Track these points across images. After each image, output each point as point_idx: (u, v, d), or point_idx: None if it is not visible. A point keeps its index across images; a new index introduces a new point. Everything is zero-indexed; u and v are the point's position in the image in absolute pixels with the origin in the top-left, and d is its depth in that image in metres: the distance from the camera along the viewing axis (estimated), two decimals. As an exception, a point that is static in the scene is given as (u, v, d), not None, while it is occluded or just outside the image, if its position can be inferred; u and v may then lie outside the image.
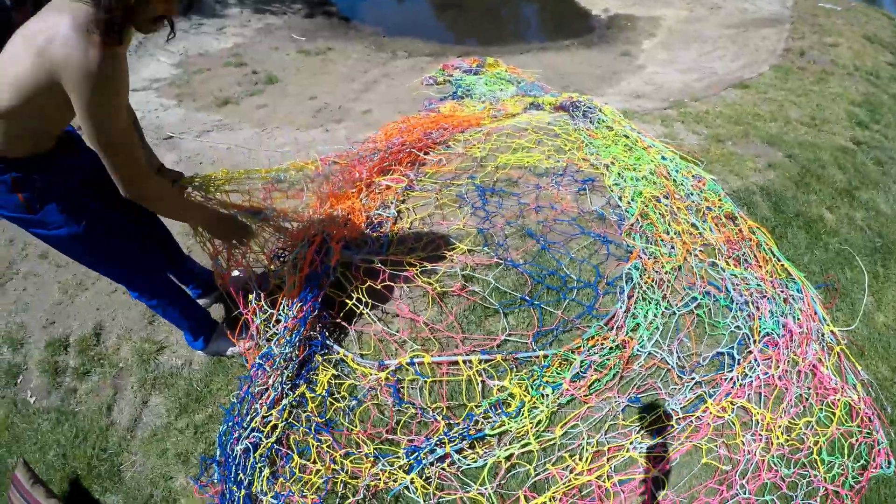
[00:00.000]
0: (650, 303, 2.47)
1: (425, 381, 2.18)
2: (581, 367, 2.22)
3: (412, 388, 2.22)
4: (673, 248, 2.79)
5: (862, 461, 2.23)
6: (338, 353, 2.32)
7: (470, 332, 2.39)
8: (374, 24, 9.31)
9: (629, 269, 2.60)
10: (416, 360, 2.23)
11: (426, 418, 2.09)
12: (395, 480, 1.94)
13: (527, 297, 2.46)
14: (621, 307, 2.44)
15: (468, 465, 1.95)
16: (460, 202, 3.05)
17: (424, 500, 1.89)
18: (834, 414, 2.31)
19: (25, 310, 3.22)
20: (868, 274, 3.15)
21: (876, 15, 9.44)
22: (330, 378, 2.23)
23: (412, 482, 1.92)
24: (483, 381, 2.18)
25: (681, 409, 2.19)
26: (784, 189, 3.64)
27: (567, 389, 2.13)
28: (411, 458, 1.98)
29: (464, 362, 2.20)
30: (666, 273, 2.63)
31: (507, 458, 1.98)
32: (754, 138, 4.20)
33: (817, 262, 3.19)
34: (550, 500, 1.89)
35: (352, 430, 2.08)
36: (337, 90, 5.86)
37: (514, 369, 2.22)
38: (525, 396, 2.10)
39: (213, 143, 4.39)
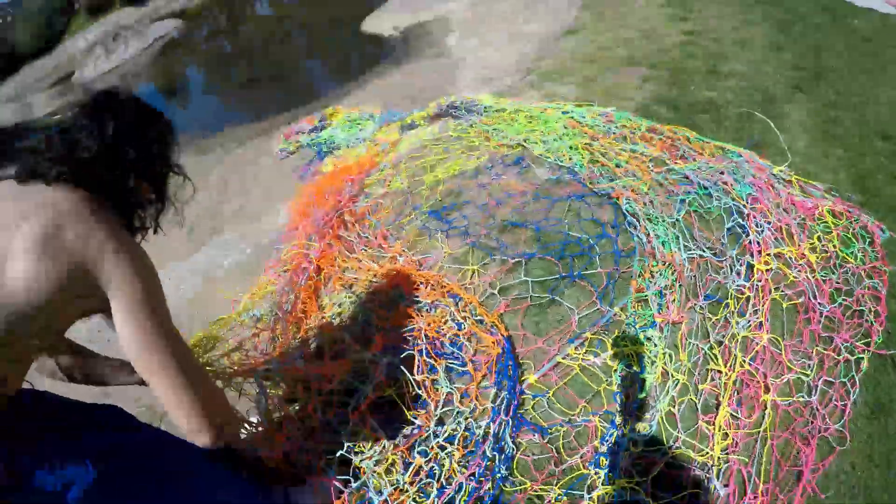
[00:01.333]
0: (657, 221, 2.70)
1: (547, 397, 2.18)
2: (658, 297, 2.38)
3: (541, 411, 2.16)
4: (634, 174, 3.05)
5: (868, 238, 2.55)
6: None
7: (545, 332, 2.45)
8: (184, 131, 9.22)
9: (625, 203, 2.82)
10: (522, 385, 2.21)
11: (577, 426, 2.07)
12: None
13: (565, 274, 2.60)
14: (642, 236, 2.65)
15: (646, 435, 1.99)
16: (427, 234, 3.14)
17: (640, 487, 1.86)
18: (826, 221, 2.63)
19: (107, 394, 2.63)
20: (770, 119, 3.55)
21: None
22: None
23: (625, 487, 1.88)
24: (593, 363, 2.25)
25: (742, 283, 2.41)
26: (668, 91, 4.05)
27: (661, 321, 2.29)
28: (597, 469, 1.92)
29: (563, 359, 2.28)
30: (646, 194, 2.88)
31: (672, 404, 2.06)
32: (615, 66, 4.65)
33: (731, 130, 3.56)
34: (726, 409, 1.99)
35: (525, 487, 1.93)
36: (192, 205, 5.64)
37: (608, 336, 2.32)
38: (638, 348, 2.21)
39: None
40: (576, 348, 2.28)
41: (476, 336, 2.35)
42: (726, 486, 1.80)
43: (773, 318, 2.26)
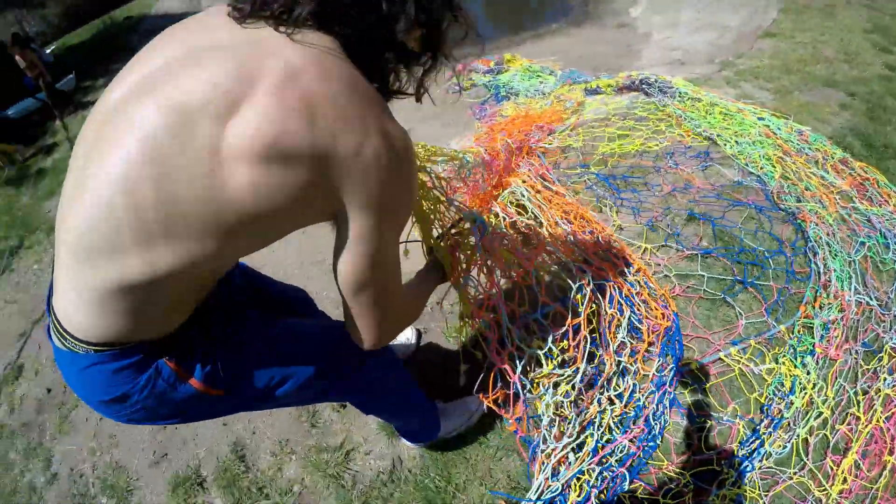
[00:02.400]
0: (836, 255, 2.83)
1: (703, 387, 2.38)
2: (822, 328, 2.53)
3: (692, 399, 2.34)
4: (820, 201, 3.15)
5: None
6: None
7: (712, 328, 2.61)
8: None
9: (812, 228, 2.95)
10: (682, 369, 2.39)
11: (721, 424, 2.26)
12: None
13: (741, 279, 2.77)
14: (821, 265, 2.78)
15: (779, 453, 2.14)
16: (597, 197, 3.35)
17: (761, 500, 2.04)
18: None
19: (115, 445, 2.80)
20: None
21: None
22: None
23: (745, 495, 2.05)
24: (751, 370, 2.42)
25: None
26: (864, 126, 4.03)
27: (819, 353, 2.45)
28: (737, 471, 2.10)
29: (725, 356, 2.47)
30: (830, 225, 2.99)
31: (809, 432, 2.21)
32: (813, 83, 4.61)
33: None
34: (854, 456, 2.12)
35: (661, 464, 2.14)
36: None
37: (768, 349, 2.49)
38: (795, 371, 2.37)
39: None
40: (739, 351, 2.47)
41: (646, 304, 2.56)
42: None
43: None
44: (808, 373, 2.36)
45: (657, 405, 2.19)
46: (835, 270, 2.75)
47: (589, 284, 2.25)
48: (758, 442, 2.18)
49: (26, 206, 6.21)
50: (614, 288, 2.48)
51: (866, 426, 2.19)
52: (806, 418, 2.24)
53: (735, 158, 3.53)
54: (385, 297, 1.19)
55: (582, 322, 2.12)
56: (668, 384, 2.26)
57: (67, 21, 16.81)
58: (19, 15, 14.53)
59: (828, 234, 2.93)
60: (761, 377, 2.40)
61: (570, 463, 1.99)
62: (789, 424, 2.22)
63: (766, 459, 2.14)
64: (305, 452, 2.43)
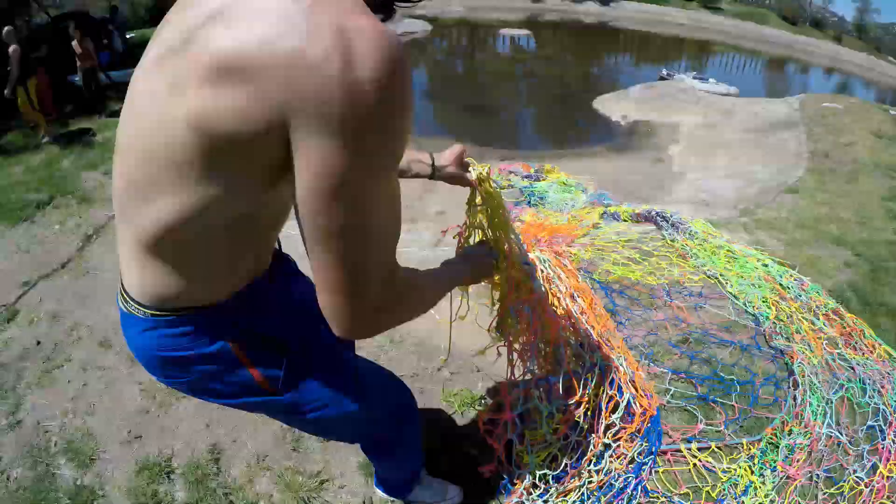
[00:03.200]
0: (815, 392, 3.18)
1: (657, 472, 2.68)
2: (788, 450, 2.87)
3: (650, 479, 2.61)
4: (809, 344, 3.52)
5: None
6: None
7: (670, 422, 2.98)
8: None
9: (797, 364, 3.32)
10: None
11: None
12: None
13: (704, 396, 3.14)
14: (799, 397, 3.14)
15: None
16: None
17: None
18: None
19: (91, 412, 2.81)
20: None
21: (875, 110, 10.69)
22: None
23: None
24: (706, 468, 2.73)
25: (861, 476, 2.82)
26: (864, 284, 4.44)
27: (780, 470, 2.77)
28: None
29: (685, 449, 2.79)
30: (814, 366, 3.36)
31: None
32: (823, 240, 5.07)
33: None
34: None
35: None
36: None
37: (726, 454, 2.81)
38: (752, 478, 2.67)
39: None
40: (698, 448, 2.81)
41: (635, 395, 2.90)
42: None
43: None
44: (764, 483, 2.66)
45: (633, 489, 2.53)
46: (811, 404, 3.09)
47: (596, 364, 2.60)
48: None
49: (65, 170, 6.63)
50: (615, 371, 2.81)
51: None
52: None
53: (733, 298, 3.93)
54: (363, 266, 0.97)
55: (587, 397, 2.38)
56: (644, 469, 2.60)
57: (153, 14, 18.03)
58: None
59: (811, 374, 3.29)
60: (716, 475, 2.69)
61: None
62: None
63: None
64: (281, 471, 2.47)
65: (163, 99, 0.92)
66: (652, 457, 2.65)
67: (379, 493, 2.35)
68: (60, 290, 4.06)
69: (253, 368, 1.28)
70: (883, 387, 3.31)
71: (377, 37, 0.81)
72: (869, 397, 3.22)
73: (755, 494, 2.62)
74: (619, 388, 2.69)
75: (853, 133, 8.80)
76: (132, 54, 11.45)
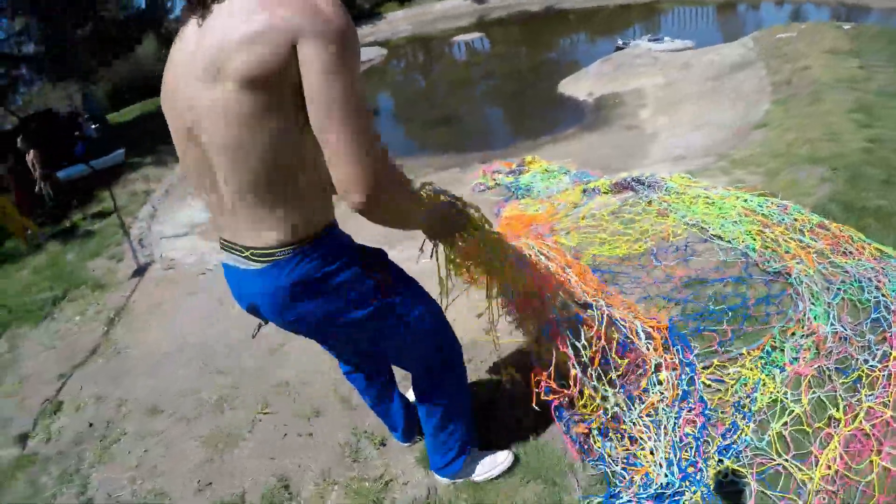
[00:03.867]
0: (816, 298, 3.40)
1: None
2: (793, 351, 3.08)
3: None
4: (801, 260, 3.76)
5: None
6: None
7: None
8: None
9: (796, 274, 3.57)
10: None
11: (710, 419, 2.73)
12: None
13: (697, 327, 3.35)
14: (799, 305, 3.37)
15: (763, 441, 2.58)
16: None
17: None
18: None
19: (158, 474, 2.99)
20: None
21: (827, 29, 10.92)
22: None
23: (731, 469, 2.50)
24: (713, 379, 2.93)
25: (875, 364, 2.95)
26: (844, 194, 4.66)
27: (789, 371, 2.95)
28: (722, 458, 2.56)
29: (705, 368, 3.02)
30: (810, 276, 3.58)
31: (784, 426, 2.64)
32: (798, 163, 5.32)
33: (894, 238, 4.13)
34: (837, 448, 2.49)
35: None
36: None
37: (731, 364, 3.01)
38: (760, 375, 2.88)
39: None
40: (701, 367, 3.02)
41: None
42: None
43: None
44: (774, 379, 2.87)
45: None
46: (811, 309, 3.31)
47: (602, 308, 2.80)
48: (738, 433, 2.66)
49: (71, 263, 6.82)
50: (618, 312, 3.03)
51: (847, 427, 2.60)
52: (778, 415, 2.69)
53: (717, 240, 4.15)
54: (362, 128, 1.34)
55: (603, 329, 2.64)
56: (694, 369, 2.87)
57: (116, 100, 18.30)
58: (82, 87, 15.49)
59: (810, 283, 3.51)
60: (724, 382, 2.90)
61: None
62: (763, 418, 2.72)
63: (752, 450, 2.59)
64: (347, 482, 2.65)
65: (208, 91, 1.35)
66: (691, 359, 2.93)
67: (439, 478, 2.55)
68: (97, 374, 4.22)
69: (373, 276, 1.71)
70: (880, 281, 3.51)
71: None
72: (868, 293, 3.42)
73: (764, 390, 2.83)
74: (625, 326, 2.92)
75: (809, 56, 9.06)
76: (114, 136, 11.57)
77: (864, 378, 2.87)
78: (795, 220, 4.21)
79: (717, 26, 26.38)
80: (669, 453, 2.47)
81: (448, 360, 2.17)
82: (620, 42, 18.22)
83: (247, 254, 1.57)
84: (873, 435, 2.55)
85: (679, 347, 3.02)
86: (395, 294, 1.79)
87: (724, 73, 9.73)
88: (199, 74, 1.35)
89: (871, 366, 2.93)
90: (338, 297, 1.65)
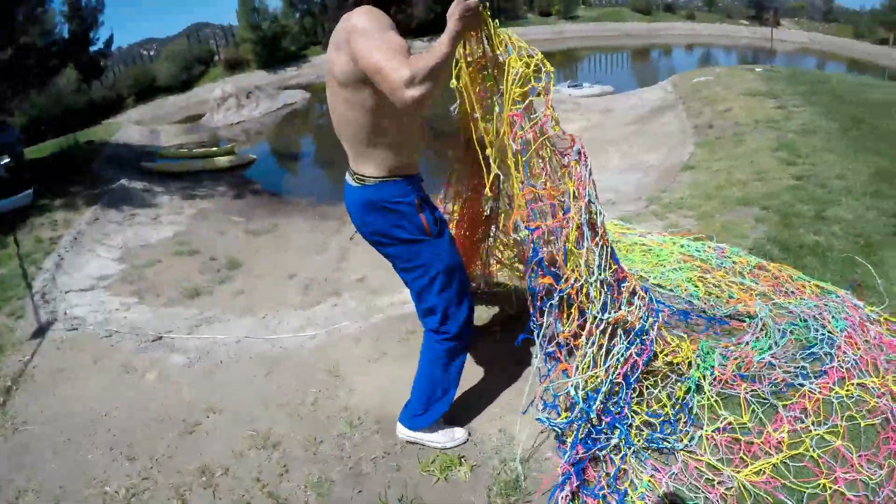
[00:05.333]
0: (767, 337, 3.36)
1: None
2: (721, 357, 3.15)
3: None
4: (745, 304, 3.70)
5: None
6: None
7: None
8: (305, 195, 10.22)
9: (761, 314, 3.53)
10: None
11: None
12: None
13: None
14: (745, 337, 3.36)
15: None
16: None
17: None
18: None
19: None
20: (870, 265, 4.06)
21: (741, 73, 11.38)
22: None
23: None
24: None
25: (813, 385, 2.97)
26: (779, 233, 4.70)
27: (717, 375, 3.01)
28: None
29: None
30: (758, 317, 3.52)
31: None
32: (731, 205, 5.37)
33: (835, 272, 4.12)
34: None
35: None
36: (311, 264, 6.27)
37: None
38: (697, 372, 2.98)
39: (216, 339, 4.39)
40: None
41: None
42: None
43: (850, 434, 2.70)
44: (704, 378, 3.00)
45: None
46: (754, 342, 3.31)
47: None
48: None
49: None
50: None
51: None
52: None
53: (658, 288, 4.05)
54: (388, 59, 1.99)
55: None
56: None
57: (31, 133, 17.24)
58: None
59: (756, 331, 3.45)
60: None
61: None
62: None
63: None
64: None
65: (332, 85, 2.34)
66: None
67: (400, 426, 2.94)
68: (-8, 456, 3.65)
69: (422, 215, 2.45)
70: (824, 318, 3.50)
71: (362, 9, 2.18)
72: (815, 331, 3.39)
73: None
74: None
75: (728, 99, 9.37)
76: (25, 174, 10.54)
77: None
78: (734, 263, 4.19)
79: (633, 71, 27.43)
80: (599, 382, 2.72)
81: (450, 330, 2.66)
82: (542, 89, 18.46)
83: (353, 175, 2.47)
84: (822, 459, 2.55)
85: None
86: (431, 236, 2.49)
87: (646, 116, 9.96)
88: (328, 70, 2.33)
89: (807, 386, 2.98)
90: (392, 217, 2.44)
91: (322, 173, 13.06)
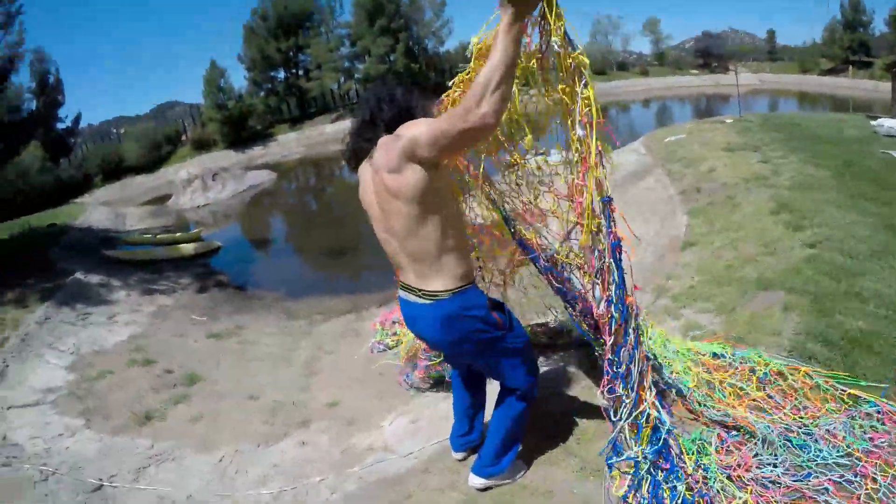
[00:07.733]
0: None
1: None
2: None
3: None
4: (725, 413, 3.11)
5: None
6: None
7: None
8: (272, 289, 9.67)
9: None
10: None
11: None
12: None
13: None
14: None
15: None
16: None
17: None
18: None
19: None
20: None
21: (712, 127, 10.97)
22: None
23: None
24: None
25: None
26: (816, 323, 3.93)
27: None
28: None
29: None
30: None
31: None
32: (749, 290, 4.62)
33: (890, 362, 3.40)
34: None
35: None
36: (277, 379, 5.66)
37: None
38: None
39: (162, 495, 3.75)
40: None
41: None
42: None
43: None
44: None
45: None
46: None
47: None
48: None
49: None
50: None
51: None
52: None
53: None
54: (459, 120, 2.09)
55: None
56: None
57: None
58: None
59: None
60: None
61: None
62: None
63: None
64: None
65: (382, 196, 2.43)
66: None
67: (473, 476, 3.02)
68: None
69: (495, 313, 2.63)
70: (834, 436, 2.84)
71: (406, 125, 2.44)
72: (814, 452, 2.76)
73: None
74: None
75: (707, 157, 8.87)
76: None
77: None
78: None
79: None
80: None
81: (528, 390, 2.84)
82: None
83: (419, 293, 2.52)
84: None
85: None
86: (506, 329, 2.66)
87: (627, 182, 9.40)
88: (380, 190, 2.40)
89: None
90: (469, 323, 2.53)
91: (289, 261, 12.71)
